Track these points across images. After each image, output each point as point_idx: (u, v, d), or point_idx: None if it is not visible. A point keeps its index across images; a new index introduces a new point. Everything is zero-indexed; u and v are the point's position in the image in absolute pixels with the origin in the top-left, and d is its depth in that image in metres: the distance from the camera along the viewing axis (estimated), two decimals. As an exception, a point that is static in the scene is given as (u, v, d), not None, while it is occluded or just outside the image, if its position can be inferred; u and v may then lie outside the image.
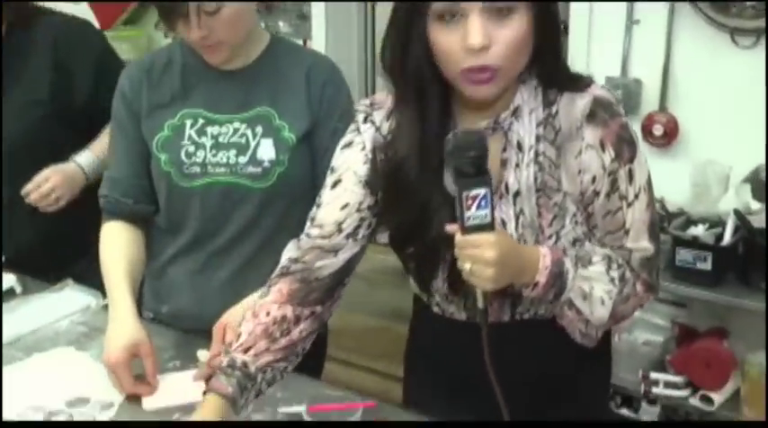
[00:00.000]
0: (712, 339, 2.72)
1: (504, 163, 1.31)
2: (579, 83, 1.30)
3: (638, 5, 2.93)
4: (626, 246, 1.34)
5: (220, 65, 1.66)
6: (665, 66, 2.91)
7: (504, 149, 1.30)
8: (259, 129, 1.65)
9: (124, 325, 1.57)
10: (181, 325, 1.75)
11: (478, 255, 1.17)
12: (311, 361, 1.60)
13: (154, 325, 1.74)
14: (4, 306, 1.88)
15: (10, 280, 1.97)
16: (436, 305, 1.46)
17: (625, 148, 1.28)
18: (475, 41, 1.16)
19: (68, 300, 1.92)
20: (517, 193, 1.30)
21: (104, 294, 1.73)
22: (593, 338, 1.38)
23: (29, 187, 1.98)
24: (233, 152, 1.65)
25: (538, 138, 1.30)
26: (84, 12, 4.38)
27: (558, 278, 1.28)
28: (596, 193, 1.30)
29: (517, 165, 1.30)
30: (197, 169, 1.66)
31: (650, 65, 2.92)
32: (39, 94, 2.03)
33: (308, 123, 1.66)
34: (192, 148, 1.66)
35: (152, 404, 1.51)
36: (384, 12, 4.06)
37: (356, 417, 1.30)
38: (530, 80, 1.30)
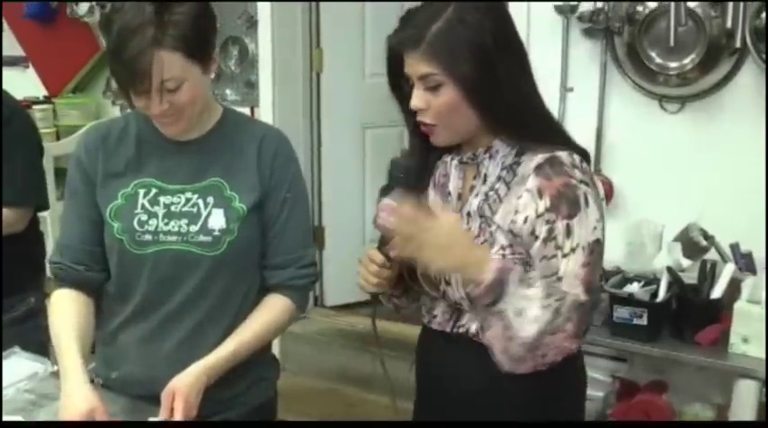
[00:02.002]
0: (652, 392, 2.79)
1: (471, 188, 1.55)
2: (552, 143, 1.48)
3: (571, 74, 3.07)
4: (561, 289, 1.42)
5: (176, 137, 1.71)
6: (599, 130, 3.05)
7: (474, 177, 1.54)
8: (210, 199, 1.70)
9: (78, 393, 1.58)
10: (131, 392, 1.76)
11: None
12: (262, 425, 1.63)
13: (104, 392, 1.74)
14: (-50, 375, 1.88)
15: (-44, 348, 1.96)
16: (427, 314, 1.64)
17: (564, 204, 1.43)
18: (412, 104, 1.48)
19: (15, 367, 1.91)
20: (469, 214, 1.53)
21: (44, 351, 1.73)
22: (512, 359, 1.44)
23: None
24: (184, 221, 1.69)
25: (499, 178, 1.51)
26: (33, 78, 4.42)
27: (500, 284, 1.41)
28: (534, 236, 1.43)
29: (477, 193, 1.53)
30: (149, 237, 1.69)
31: (584, 130, 3.03)
32: None
33: (258, 194, 1.72)
34: (144, 217, 1.70)
35: None
36: (328, 79, 4.18)
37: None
38: (509, 132, 1.50)
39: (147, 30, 1.52)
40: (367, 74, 4.10)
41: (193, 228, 1.69)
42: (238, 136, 1.76)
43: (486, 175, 1.53)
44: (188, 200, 1.71)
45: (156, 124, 1.68)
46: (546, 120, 1.54)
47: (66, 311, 1.74)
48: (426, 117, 1.49)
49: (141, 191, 1.71)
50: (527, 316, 1.40)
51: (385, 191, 1.49)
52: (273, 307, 1.78)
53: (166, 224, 1.70)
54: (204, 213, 1.70)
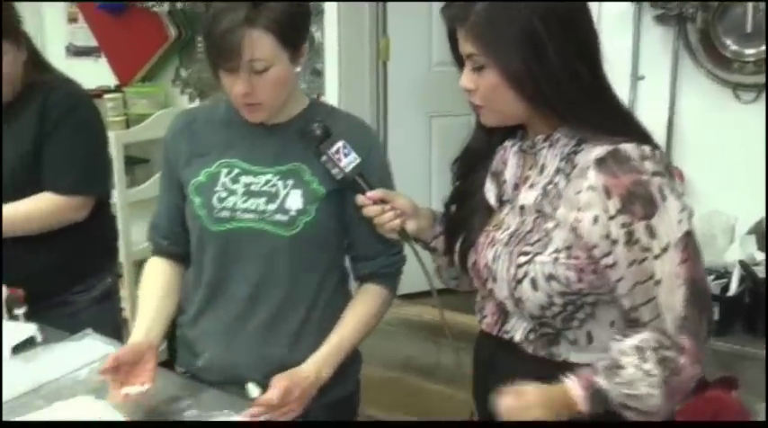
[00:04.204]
0: (722, 389, 2.72)
1: (525, 179, 1.47)
2: (618, 133, 1.37)
3: (642, 61, 3.01)
4: (660, 314, 1.35)
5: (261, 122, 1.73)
6: (670, 119, 2.98)
7: (530, 168, 1.46)
8: (290, 181, 1.72)
9: (134, 337, 1.72)
10: (213, 378, 1.78)
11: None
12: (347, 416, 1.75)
13: (172, 375, 1.77)
14: (26, 355, 1.93)
15: (31, 329, 2.01)
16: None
17: (638, 204, 1.31)
18: (460, 83, 1.43)
19: (88, 349, 1.96)
20: (523, 207, 1.45)
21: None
22: (662, 415, 1.39)
23: None
24: (263, 199, 1.71)
25: (558, 170, 1.41)
26: (105, 68, 4.52)
27: (596, 395, 1.35)
28: (612, 240, 1.33)
29: (532, 185, 1.45)
30: (227, 213, 1.72)
31: (655, 119, 2.98)
32: (27, 144, 2.18)
33: (338, 184, 1.69)
34: (224, 194, 1.73)
35: None
36: (394, 68, 4.17)
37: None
38: (566, 120, 1.41)
39: (241, 8, 1.56)
40: (434, 62, 4.08)
41: (271, 207, 1.71)
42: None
43: (543, 166, 1.44)
44: (268, 181, 1.73)
45: (239, 110, 1.70)
46: (611, 109, 1.42)
47: (150, 278, 1.85)
48: (474, 97, 1.43)
49: (224, 171, 1.75)
50: (642, 395, 1.34)
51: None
52: (370, 299, 1.80)
53: (245, 202, 1.72)
54: (282, 193, 1.72)
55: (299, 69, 1.71)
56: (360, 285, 1.83)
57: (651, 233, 1.32)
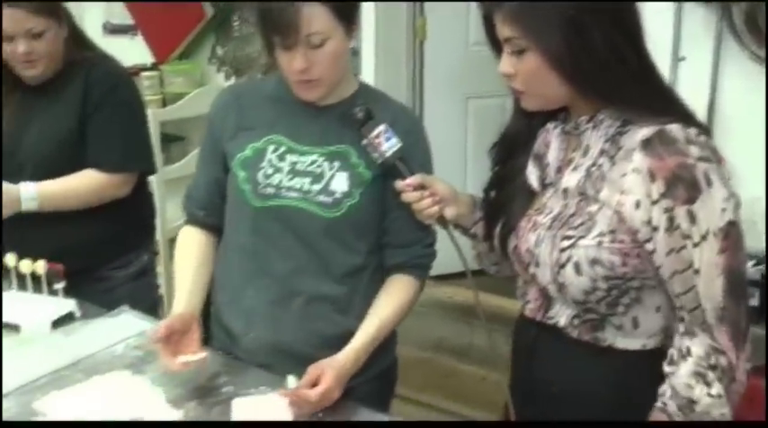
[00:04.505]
0: (761, 376, 2.69)
1: (569, 161, 1.44)
2: (663, 114, 1.34)
3: (683, 42, 2.96)
4: (701, 304, 1.33)
5: (311, 101, 1.72)
6: (711, 102, 2.93)
7: (574, 150, 1.44)
8: (336, 163, 1.71)
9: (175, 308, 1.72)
10: (257, 359, 1.77)
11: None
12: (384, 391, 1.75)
13: (211, 353, 1.77)
14: (65, 329, 1.96)
15: (69, 305, 2.04)
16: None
17: (681, 188, 1.28)
18: (499, 69, 1.41)
19: (124, 325, 1.98)
20: (566, 190, 1.42)
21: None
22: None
23: None
24: (308, 179, 1.71)
25: (602, 151, 1.38)
26: (141, 46, 4.54)
27: None
28: (653, 227, 1.31)
29: (575, 167, 1.42)
30: (271, 190, 1.72)
31: (696, 101, 2.92)
32: (70, 122, 2.20)
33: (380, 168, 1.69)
34: (270, 171, 1.73)
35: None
36: (431, 48, 4.13)
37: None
38: (610, 101, 1.38)
39: None
40: (470, 42, 4.04)
41: (315, 187, 1.71)
42: (373, 109, 1.72)
43: (587, 148, 1.41)
44: (314, 161, 1.72)
45: (294, 88, 1.69)
46: (656, 89, 1.39)
47: (187, 247, 1.86)
48: (514, 82, 1.40)
49: (270, 147, 1.74)
50: (715, 416, 1.35)
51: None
52: (404, 289, 1.77)
53: (290, 180, 1.72)
54: (328, 175, 1.71)
55: (353, 44, 1.70)
56: (390, 274, 1.79)
57: (692, 218, 1.29)
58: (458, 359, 3.59)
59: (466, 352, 3.60)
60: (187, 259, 1.84)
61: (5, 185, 2.09)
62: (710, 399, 1.34)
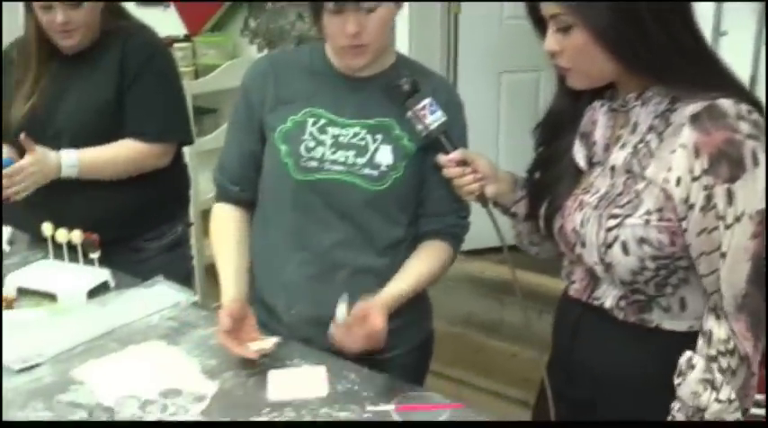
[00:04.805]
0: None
1: (617, 139, 1.41)
2: (714, 89, 1.30)
3: (724, 16, 2.90)
4: (719, 289, 1.31)
5: (355, 70, 1.70)
6: (752, 78, 2.88)
7: (622, 127, 1.41)
8: (379, 136, 1.69)
9: (225, 297, 1.71)
10: (296, 334, 1.76)
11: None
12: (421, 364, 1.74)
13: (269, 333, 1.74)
14: (100, 299, 1.97)
15: (104, 274, 2.05)
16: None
17: (725, 165, 1.24)
18: (545, 47, 1.38)
19: (159, 296, 1.99)
20: (613, 168, 1.39)
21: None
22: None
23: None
24: (352, 152, 1.69)
25: (650, 128, 1.35)
26: (174, 17, 4.53)
27: None
28: (689, 205, 1.28)
29: (623, 144, 1.39)
30: (314, 163, 1.70)
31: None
32: (108, 91, 2.20)
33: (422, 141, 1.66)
34: (312, 144, 1.70)
35: (276, 395, 1.56)
36: (465, 21, 4.07)
37: (444, 418, 1.31)
38: (659, 76, 1.35)
39: None
40: (505, 16, 3.99)
41: (360, 160, 1.69)
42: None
43: (636, 124, 1.38)
44: (356, 134, 1.71)
45: (339, 55, 1.67)
46: (707, 64, 1.34)
47: (225, 227, 1.84)
48: (560, 60, 1.37)
49: (310, 120, 1.72)
50: (729, 419, 1.32)
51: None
52: (436, 252, 1.76)
53: (333, 153, 1.70)
54: (372, 148, 1.69)
55: (399, 12, 1.68)
56: (424, 240, 1.78)
57: (729, 199, 1.25)
58: (487, 334, 3.58)
59: (496, 327, 3.59)
60: (227, 241, 1.82)
61: (45, 151, 2.10)
62: (720, 405, 1.31)
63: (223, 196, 1.87)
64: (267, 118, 1.76)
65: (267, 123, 1.76)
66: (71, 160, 2.14)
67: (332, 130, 1.71)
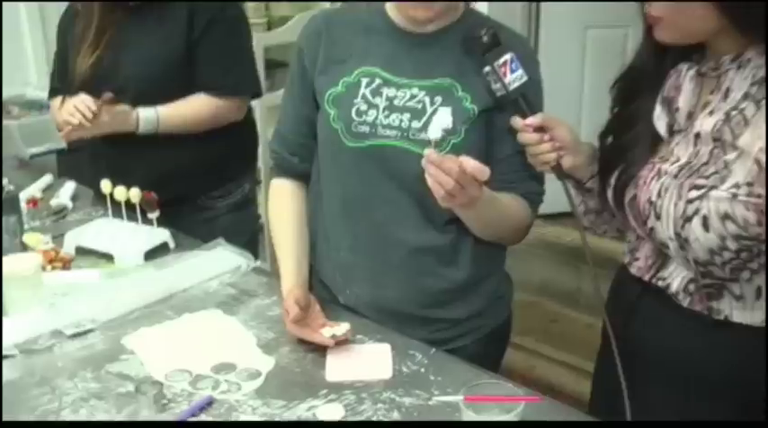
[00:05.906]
0: None
1: (705, 105, 1.28)
2: None
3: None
4: None
5: (421, 24, 1.55)
6: None
7: (712, 92, 1.27)
8: (438, 98, 1.54)
9: (286, 286, 1.61)
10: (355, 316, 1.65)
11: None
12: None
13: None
14: (157, 261, 1.89)
15: (164, 235, 1.98)
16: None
17: None
18: None
19: (219, 260, 1.90)
20: (698, 135, 1.26)
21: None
22: None
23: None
24: (407, 116, 1.54)
25: (746, 95, 1.22)
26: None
27: None
28: None
29: (712, 111, 1.25)
30: (366, 129, 1.56)
31: None
32: (176, 44, 2.14)
33: (493, 101, 1.51)
34: (364, 107, 1.56)
35: (335, 376, 1.45)
36: (547, 11, 3.85)
37: (517, 412, 1.18)
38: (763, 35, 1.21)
39: None
40: (592, -33, 3.78)
41: (416, 124, 1.54)
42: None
43: (728, 90, 1.24)
44: (413, 95, 1.55)
45: (410, 5, 1.51)
46: None
47: (285, 207, 1.74)
48: (653, 7, 1.25)
49: (364, 81, 1.58)
50: None
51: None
52: (516, 202, 1.58)
53: (386, 117, 1.55)
54: (430, 110, 1.54)
55: None
56: None
57: None
58: (564, 304, 3.45)
59: (573, 296, 3.44)
60: (287, 222, 1.71)
61: (123, 107, 2.08)
62: None
63: (282, 170, 1.76)
64: (318, 81, 1.62)
65: (318, 87, 1.62)
66: (150, 116, 2.11)
67: (387, 92, 1.56)
